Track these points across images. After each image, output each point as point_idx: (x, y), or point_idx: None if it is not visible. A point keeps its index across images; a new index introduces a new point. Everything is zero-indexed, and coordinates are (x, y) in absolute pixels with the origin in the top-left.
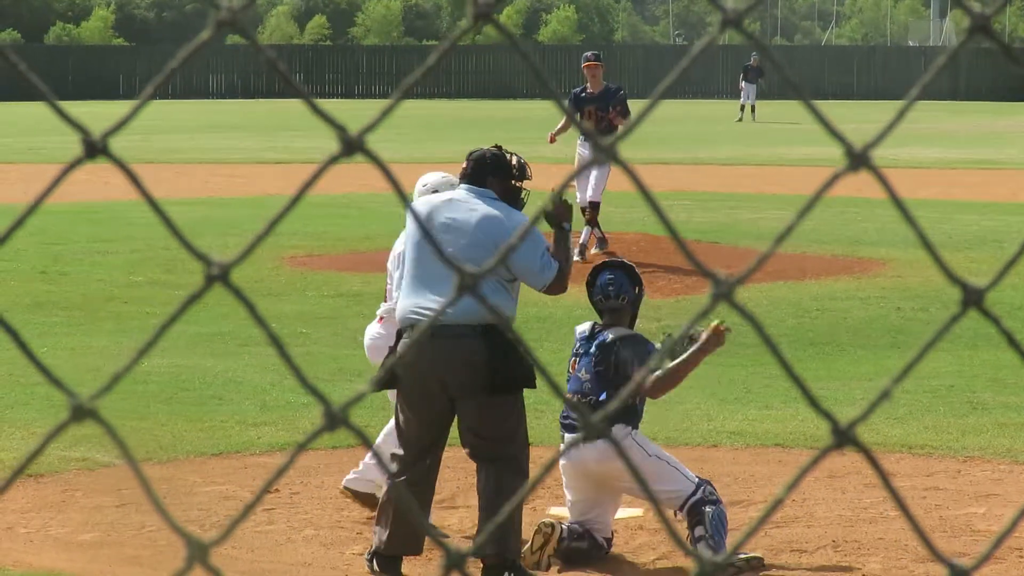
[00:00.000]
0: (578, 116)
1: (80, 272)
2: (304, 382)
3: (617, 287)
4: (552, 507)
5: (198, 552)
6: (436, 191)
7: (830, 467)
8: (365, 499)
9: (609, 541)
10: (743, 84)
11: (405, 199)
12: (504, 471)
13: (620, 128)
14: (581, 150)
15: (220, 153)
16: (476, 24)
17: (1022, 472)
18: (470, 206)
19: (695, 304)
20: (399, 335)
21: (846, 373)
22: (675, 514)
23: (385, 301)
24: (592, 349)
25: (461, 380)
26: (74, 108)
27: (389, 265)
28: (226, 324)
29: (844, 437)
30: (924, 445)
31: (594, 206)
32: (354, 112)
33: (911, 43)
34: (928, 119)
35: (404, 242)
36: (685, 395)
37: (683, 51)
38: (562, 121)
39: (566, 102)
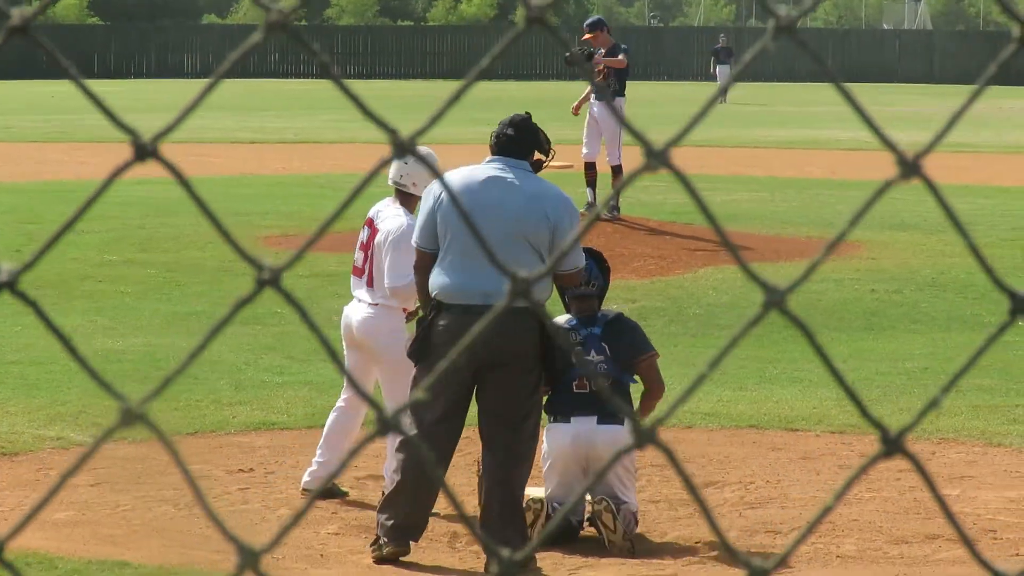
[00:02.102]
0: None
1: (54, 251)
2: (359, 390)
3: (587, 273)
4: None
5: (249, 559)
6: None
7: (804, 449)
8: (326, 496)
9: (581, 522)
10: (716, 67)
11: (452, 194)
12: (518, 450)
13: (616, 63)
14: (592, 108)
15: (195, 132)
16: (529, 27)
17: (996, 454)
18: (512, 183)
19: (670, 285)
20: (436, 309)
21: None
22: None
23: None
24: (597, 331)
25: (514, 358)
26: (50, 87)
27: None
28: (200, 303)
29: (894, 446)
30: (898, 427)
31: (616, 170)
32: (330, 93)
33: (885, 26)
34: (904, 102)
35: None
36: None
37: (658, 32)
38: (583, 94)
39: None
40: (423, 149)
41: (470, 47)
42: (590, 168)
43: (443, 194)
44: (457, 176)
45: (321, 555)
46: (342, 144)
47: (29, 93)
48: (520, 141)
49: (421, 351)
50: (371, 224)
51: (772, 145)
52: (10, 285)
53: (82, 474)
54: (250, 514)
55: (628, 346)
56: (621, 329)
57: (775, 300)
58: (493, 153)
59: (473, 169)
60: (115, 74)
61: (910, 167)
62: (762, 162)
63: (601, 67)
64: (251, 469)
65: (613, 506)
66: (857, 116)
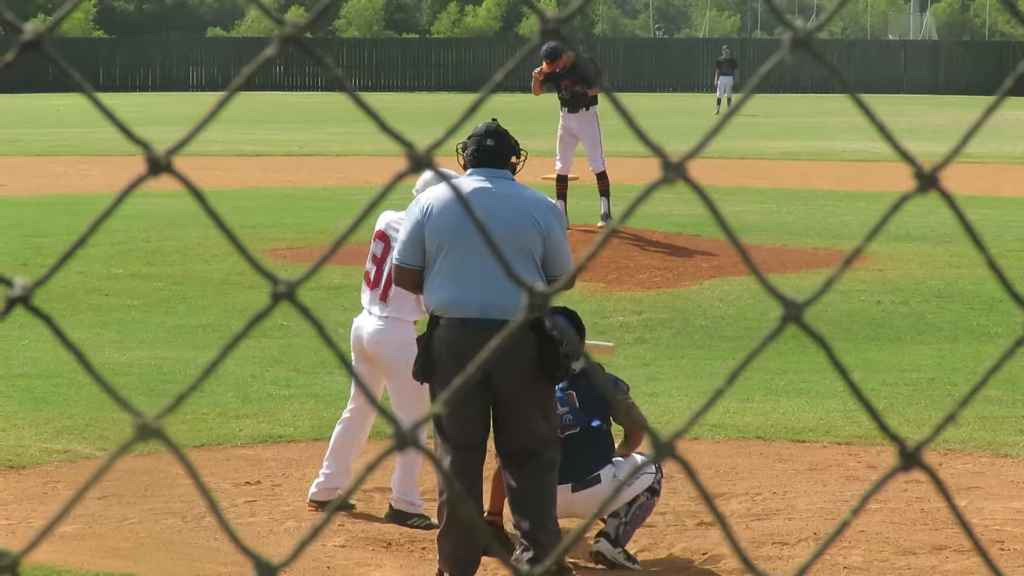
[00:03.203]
0: (556, 89)
1: (68, 246)
2: (376, 406)
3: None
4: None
5: (266, 574)
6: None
7: (811, 460)
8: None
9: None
10: (718, 78)
11: (470, 210)
12: (545, 468)
13: (597, 91)
14: (564, 121)
15: (200, 145)
16: (544, 39)
17: (1003, 465)
18: (499, 193)
19: (676, 297)
20: (433, 324)
21: (828, 366)
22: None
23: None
24: (561, 384)
25: (514, 374)
26: (56, 100)
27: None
28: (207, 316)
29: (912, 460)
30: (905, 438)
31: (601, 176)
32: (335, 105)
33: (891, 37)
34: (910, 113)
35: (413, 230)
36: (664, 388)
37: (664, 44)
38: (534, 82)
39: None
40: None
41: (475, 59)
42: (562, 181)
43: (431, 208)
44: (441, 189)
45: (328, 567)
46: (348, 157)
47: (35, 106)
48: (499, 150)
49: (425, 369)
50: (383, 237)
51: (778, 156)
52: (24, 300)
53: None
54: (257, 527)
55: (597, 395)
56: (590, 382)
57: (793, 314)
58: (472, 165)
59: (456, 182)
60: (120, 87)
61: (927, 180)
62: (768, 173)
63: (567, 84)
64: (258, 482)
65: (609, 547)
66: (875, 128)
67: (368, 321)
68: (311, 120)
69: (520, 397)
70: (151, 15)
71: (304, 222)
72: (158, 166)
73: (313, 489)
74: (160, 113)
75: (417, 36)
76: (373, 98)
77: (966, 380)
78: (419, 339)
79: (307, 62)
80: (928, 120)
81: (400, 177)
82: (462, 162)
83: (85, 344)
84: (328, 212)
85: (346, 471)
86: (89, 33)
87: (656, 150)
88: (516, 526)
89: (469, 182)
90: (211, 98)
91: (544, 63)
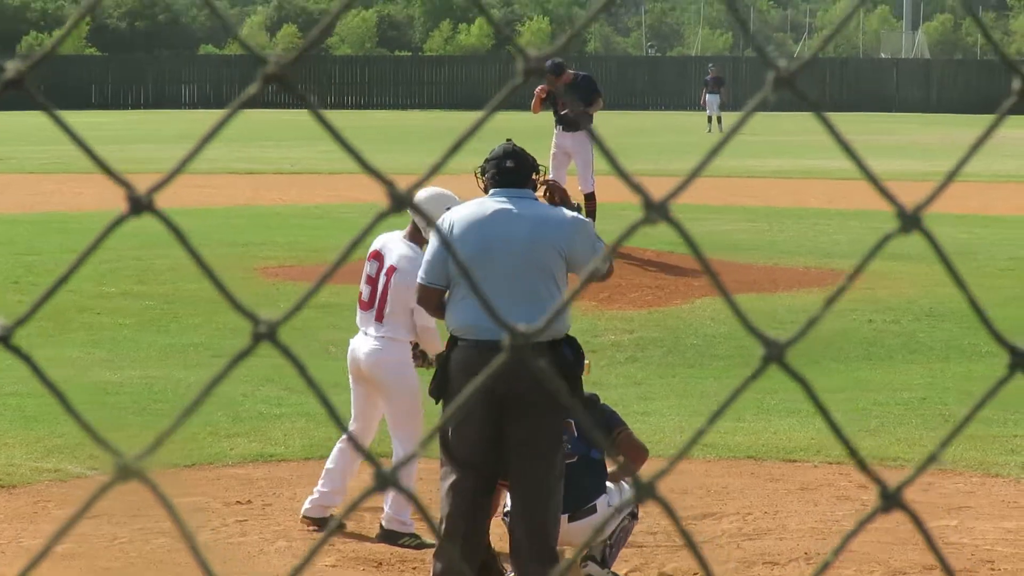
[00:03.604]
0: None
1: (52, 282)
2: (357, 446)
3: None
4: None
5: None
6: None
7: (803, 480)
8: (324, 524)
9: None
10: (705, 96)
11: (448, 244)
12: (550, 494)
13: (596, 106)
14: (558, 139)
15: (192, 163)
16: (527, 79)
17: (994, 484)
18: (520, 214)
19: (668, 316)
20: (452, 345)
21: (819, 386)
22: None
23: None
24: None
25: (532, 397)
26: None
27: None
28: (198, 335)
29: (892, 500)
30: (896, 457)
31: (589, 197)
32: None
33: (883, 55)
34: (902, 131)
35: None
36: (656, 408)
37: (656, 62)
38: (535, 99)
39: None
40: (435, 189)
41: (468, 77)
42: (589, 200)
43: (453, 228)
44: (464, 211)
45: None
46: (340, 175)
47: (28, 124)
48: (519, 169)
49: (440, 388)
50: (378, 257)
51: (769, 175)
52: (3, 340)
53: (79, 507)
54: (248, 546)
55: (599, 424)
56: (590, 409)
57: (774, 354)
58: (493, 187)
59: (480, 202)
60: (112, 105)
61: (910, 220)
62: (759, 191)
63: (563, 103)
64: (248, 501)
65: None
66: (859, 169)
67: (364, 342)
68: (303, 138)
69: (536, 417)
70: (143, 32)
71: (295, 240)
72: (139, 205)
73: (307, 505)
74: (152, 130)
75: (410, 54)
76: (365, 116)
77: (957, 399)
78: (437, 357)
79: (299, 79)
80: (918, 138)
81: (381, 217)
82: (482, 185)
83: (76, 363)
84: (319, 230)
85: (341, 491)
86: (81, 50)
87: (638, 189)
88: (514, 551)
89: (492, 203)
90: (203, 115)
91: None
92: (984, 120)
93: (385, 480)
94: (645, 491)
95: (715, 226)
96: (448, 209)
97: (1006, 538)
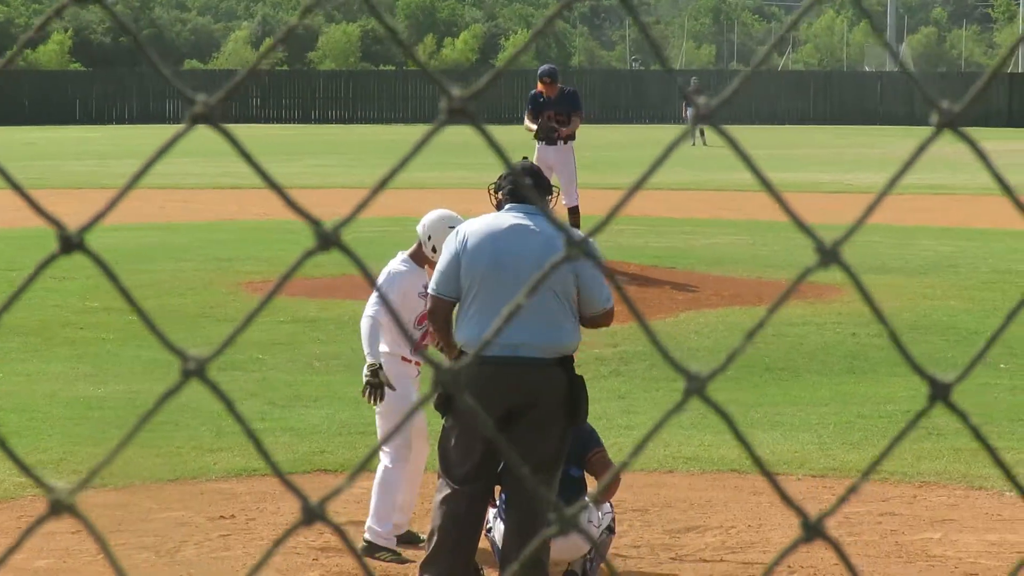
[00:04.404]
0: (538, 118)
1: (36, 297)
2: (283, 478)
3: None
4: None
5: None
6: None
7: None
8: (404, 541)
9: None
10: (687, 110)
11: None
12: (545, 512)
13: (574, 125)
14: (540, 154)
15: (175, 179)
16: (451, 117)
17: (977, 497)
18: (534, 230)
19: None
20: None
21: (802, 398)
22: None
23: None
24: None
25: (539, 410)
26: (31, 133)
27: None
28: None
29: (814, 531)
30: (880, 471)
31: (574, 211)
32: (311, 137)
33: (867, 68)
34: (885, 144)
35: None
36: (640, 421)
37: (640, 76)
38: (526, 122)
39: (528, 105)
40: (438, 212)
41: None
42: (573, 214)
43: (467, 241)
44: (479, 224)
45: None
46: (323, 190)
47: (8, 139)
48: (538, 187)
49: (446, 403)
50: None
51: (753, 188)
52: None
53: (62, 521)
54: (231, 560)
55: (576, 442)
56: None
57: (695, 388)
58: (509, 202)
59: (496, 216)
60: (97, 120)
61: (828, 255)
62: (743, 205)
63: (550, 114)
64: (232, 516)
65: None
66: (782, 208)
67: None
68: (287, 152)
69: (542, 432)
70: (127, 47)
71: (277, 255)
72: (70, 244)
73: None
74: (136, 146)
75: (394, 68)
76: (349, 130)
77: (941, 413)
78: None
79: (284, 94)
80: (898, 152)
81: (308, 254)
82: (495, 201)
83: (60, 378)
84: (303, 245)
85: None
86: (65, 65)
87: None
88: (504, 566)
89: (507, 217)
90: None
91: (539, 84)
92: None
93: (312, 514)
94: (566, 524)
95: (700, 239)
96: (451, 229)
97: (989, 551)
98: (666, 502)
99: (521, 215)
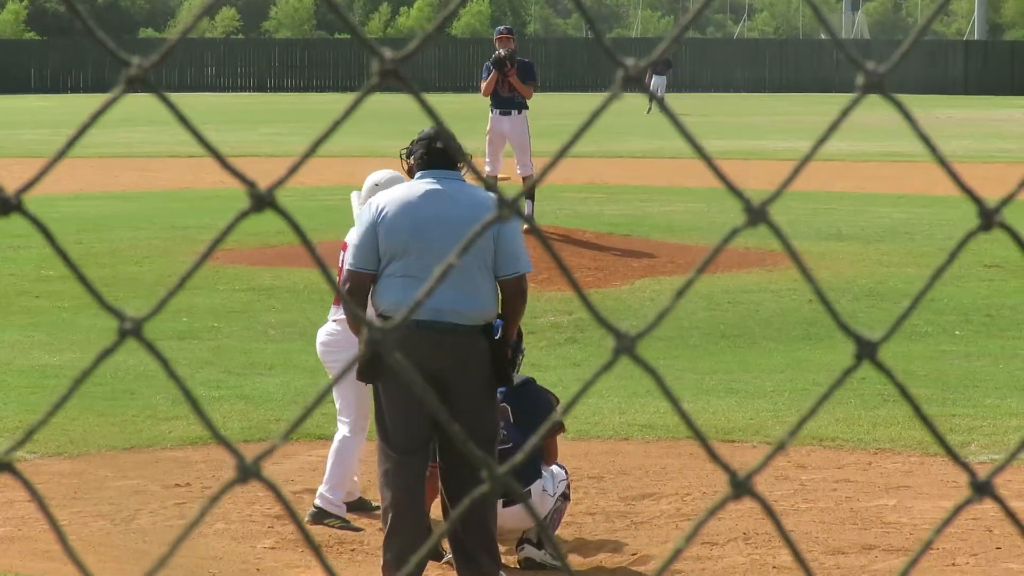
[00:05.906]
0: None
1: None
2: (218, 436)
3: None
4: None
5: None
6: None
7: (741, 460)
8: (355, 509)
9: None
10: (652, 78)
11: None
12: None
13: (526, 94)
14: (494, 122)
15: (133, 147)
16: (383, 80)
17: (932, 464)
18: (451, 195)
19: (607, 296)
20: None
21: (758, 365)
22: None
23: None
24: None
25: (467, 378)
26: None
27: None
28: None
29: (742, 488)
30: (835, 438)
31: (528, 180)
32: (267, 105)
33: (823, 36)
34: (839, 112)
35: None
36: (595, 389)
37: (595, 44)
38: (484, 84)
39: (485, 70)
40: (386, 172)
41: (408, 60)
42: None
43: (386, 208)
44: (395, 193)
45: (258, 569)
46: (280, 158)
47: None
48: (447, 152)
49: (369, 370)
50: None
51: (713, 155)
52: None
53: (18, 490)
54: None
55: (532, 412)
56: (526, 394)
57: (624, 347)
58: (419, 169)
59: (409, 186)
60: (51, 89)
61: (756, 214)
62: (700, 172)
63: (511, 71)
64: (188, 484)
65: (535, 550)
66: (709, 167)
67: (324, 328)
68: (243, 121)
69: (472, 401)
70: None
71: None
72: (8, 206)
73: (317, 501)
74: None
75: (348, 37)
76: (303, 99)
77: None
78: (367, 340)
79: (239, 63)
80: (855, 119)
81: (242, 215)
82: (406, 167)
83: (15, 346)
84: (259, 214)
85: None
86: (20, 35)
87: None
88: (452, 535)
89: (422, 185)
90: (145, 99)
91: (496, 41)
92: (924, 100)
93: (247, 471)
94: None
95: (656, 207)
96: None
97: (944, 517)
98: (621, 469)
99: (434, 181)
